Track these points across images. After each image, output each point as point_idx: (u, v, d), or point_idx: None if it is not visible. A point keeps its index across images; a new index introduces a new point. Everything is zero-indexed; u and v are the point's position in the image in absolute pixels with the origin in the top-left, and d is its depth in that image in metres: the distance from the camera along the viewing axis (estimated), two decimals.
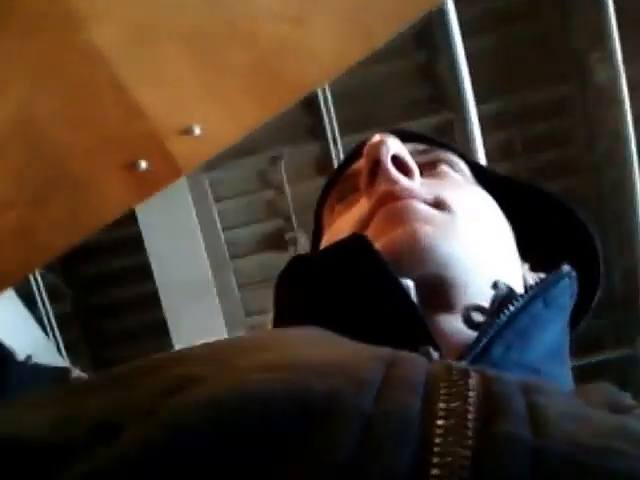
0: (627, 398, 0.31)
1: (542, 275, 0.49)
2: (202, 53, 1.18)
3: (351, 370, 0.28)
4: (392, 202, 0.47)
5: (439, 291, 0.44)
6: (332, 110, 2.38)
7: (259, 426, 0.25)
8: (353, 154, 0.59)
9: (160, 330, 2.82)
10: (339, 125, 2.43)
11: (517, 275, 0.50)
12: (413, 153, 0.53)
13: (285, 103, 1.23)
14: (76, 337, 2.93)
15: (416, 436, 0.24)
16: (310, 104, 2.41)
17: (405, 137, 0.55)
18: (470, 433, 0.24)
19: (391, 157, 0.49)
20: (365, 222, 0.48)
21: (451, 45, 1.95)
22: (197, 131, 1.23)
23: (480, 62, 2.22)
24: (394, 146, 0.49)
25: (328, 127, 2.39)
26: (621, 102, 2.10)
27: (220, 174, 2.61)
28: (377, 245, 0.43)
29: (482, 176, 0.57)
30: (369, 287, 0.42)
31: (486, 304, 0.42)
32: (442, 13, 1.89)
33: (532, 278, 0.51)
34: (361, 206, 0.50)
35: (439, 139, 0.58)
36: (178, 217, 2.63)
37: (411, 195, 0.47)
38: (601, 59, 2.10)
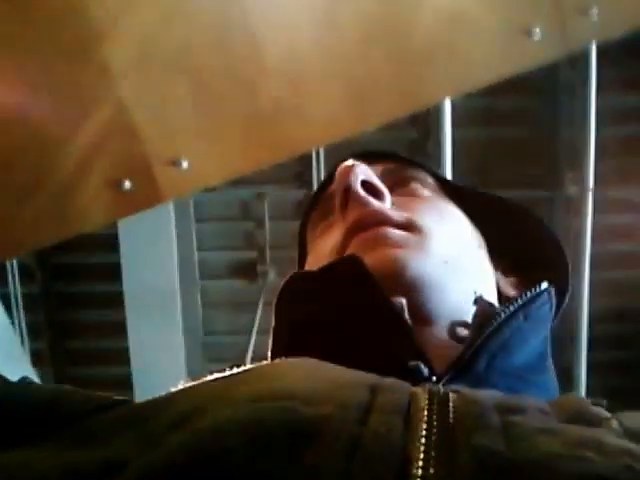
0: (599, 410, 0.31)
1: (514, 280, 0.50)
2: (206, 93, 1.18)
3: (338, 397, 0.28)
4: (364, 231, 0.47)
5: (422, 309, 0.45)
6: (322, 163, 2.39)
7: (249, 450, 0.25)
8: (327, 180, 0.60)
9: (119, 330, 2.77)
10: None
11: (491, 283, 0.51)
12: (383, 173, 0.54)
13: (275, 158, 1.23)
14: (38, 320, 2.86)
15: (400, 454, 0.25)
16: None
17: (377, 157, 0.57)
18: (450, 449, 0.25)
19: (361, 182, 0.49)
20: (340, 250, 0.49)
21: (441, 130, 1.97)
22: (185, 165, 1.22)
23: (464, 151, 2.25)
24: (362, 172, 0.50)
25: (315, 177, 2.40)
26: (584, 217, 2.14)
27: (206, 197, 2.60)
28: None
29: (451, 190, 0.57)
30: (363, 304, 0.43)
31: (469, 319, 0.43)
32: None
33: (504, 283, 0.52)
34: (336, 232, 0.51)
35: (409, 157, 0.59)
36: (157, 227, 2.60)
37: (382, 220, 0.48)
38: (574, 179, 2.14)
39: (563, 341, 2.59)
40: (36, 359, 2.70)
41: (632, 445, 0.27)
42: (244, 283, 2.73)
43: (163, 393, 0.33)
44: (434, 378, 0.38)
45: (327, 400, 0.28)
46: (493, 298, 0.48)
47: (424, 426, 0.27)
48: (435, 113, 2.09)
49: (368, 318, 0.43)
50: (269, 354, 0.49)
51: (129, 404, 0.32)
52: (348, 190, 0.49)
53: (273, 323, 0.49)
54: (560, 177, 2.39)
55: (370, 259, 0.45)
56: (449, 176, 2.03)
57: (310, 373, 0.33)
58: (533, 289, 0.44)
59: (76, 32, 1.11)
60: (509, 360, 0.42)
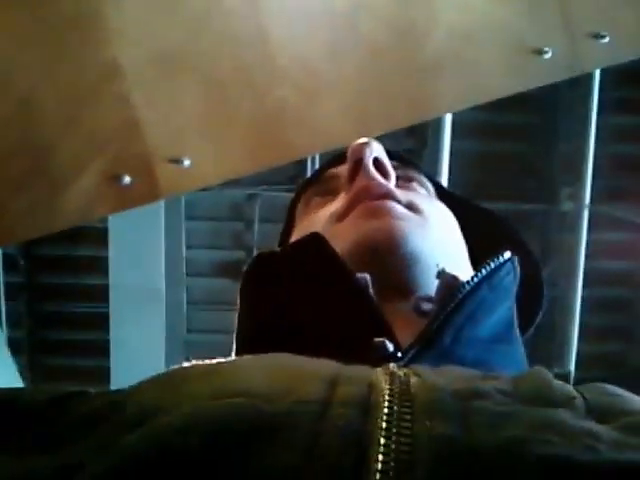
0: (563, 387, 0.31)
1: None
2: (213, 94, 1.17)
3: (296, 392, 0.28)
4: (370, 200, 0.49)
5: (396, 283, 0.45)
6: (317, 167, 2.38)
7: (208, 448, 0.25)
8: (334, 160, 0.61)
9: (101, 324, 2.75)
10: None
11: (468, 271, 0.52)
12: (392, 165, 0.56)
13: (275, 161, 1.23)
14: (19, 310, 2.83)
15: (360, 447, 0.25)
16: None
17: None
18: (410, 439, 0.25)
19: (373, 159, 0.51)
20: (342, 215, 0.50)
21: (439, 140, 1.98)
22: (186, 163, 1.21)
23: (461, 162, 2.26)
24: (377, 149, 0.52)
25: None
26: (579, 233, 2.16)
27: (197, 195, 2.59)
28: (353, 237, 0.45)
29: (443, 195, 0.59)
30: (327, 282, 0.43)
31: (433, 293, 0.43)
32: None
33: None
34: (339, 202, 0.52)
35: (409, 159, 0.61)
36: (147, 223, 2.58)
37: (387, 194, 0.49)
38: (571, 195, 2.16)
39: (551, 355, 2.62)
40: (14, 347, 2.67)
41: (594, 425, 0.27)
42: (230, 283, 2.72)
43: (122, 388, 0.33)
44: (399, 354, 0.38)
45: (285, 396, 0.28)
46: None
47: (384, 417, 0.27)
48: (433, 123, 2.10)
49: (332, 295, 0.43)
50: (234, 339, 0.49)
51: (88, 399, 0.32)
52: (359, 163, 0.51)
53: (238, 307, 0.49)
54: (556, 192, 2.42)
55: (373, 226, 0.46)
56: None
57: (269, 369, 0.32)
58: (496, 259, 0.45)
59: (86, 29, 1.10)
60: (475, 331, 0.42)
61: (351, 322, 0.41)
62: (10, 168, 1.22)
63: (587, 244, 2.27)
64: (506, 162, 2.44)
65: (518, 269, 0.47)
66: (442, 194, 0.59)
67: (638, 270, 2.53)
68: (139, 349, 2.79)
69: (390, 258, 0.45)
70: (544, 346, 2.60)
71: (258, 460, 0.25)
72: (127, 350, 2.77)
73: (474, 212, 0.60)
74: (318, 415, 0.27)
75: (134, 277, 2.67)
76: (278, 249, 0.50)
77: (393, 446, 0.25)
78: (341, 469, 0.24)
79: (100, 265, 2.68)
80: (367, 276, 0.43)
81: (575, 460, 0.24)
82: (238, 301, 0.49)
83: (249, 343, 0.46)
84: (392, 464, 0.24)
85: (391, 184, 0.52)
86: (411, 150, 2.42)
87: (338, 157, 0.60)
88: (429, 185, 0.59)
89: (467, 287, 0.42)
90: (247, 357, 0.36)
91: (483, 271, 0.43)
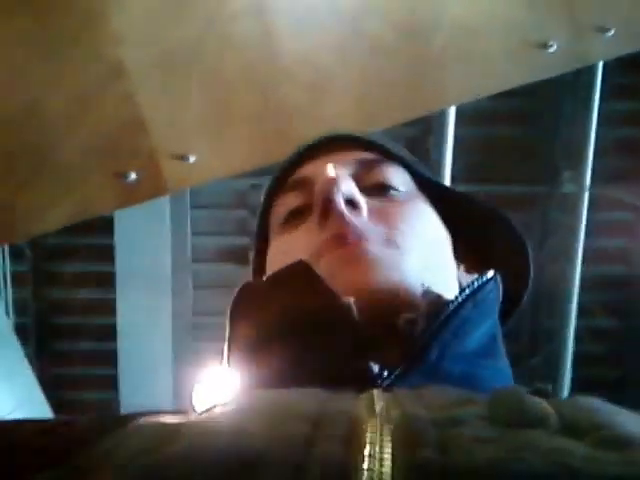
0: (538, 407, 0.31)
1: (474, 276, 0.51)
2: (218, 92, 1.17)
3: (282, 433, 0.30)
4: (344, 247, 0.48)
5: (381, 307, 0.45)
6: None
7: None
8: (299, 158, 0.59)
9: (108, 309, 2.78)
10: None
11: (452, 280, 0.52)
12: (358, 168, 0.54)
13: (280, 157, 1.22)
14: (25, 298, 2.86)
15: (344, 473, 0.26)
16: None
17: (350, 143, 0.57)
18: (389, 468, 0.27)
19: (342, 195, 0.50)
20: (317, 256, 0.49)
21: (443, 127, 1.97)
22: (192, 159, 1.22)
23: (464, 148, 2.26)
24: (345, 187, 0.50)
25: None
26: (579, 215, 2.16)
27: (202, 185, 2.59)
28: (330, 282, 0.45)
29: (424, 185, 0.58)
30: (314, 307, 0.44)
31: (418, 312, 0.44)
32: None
33: (465, 279, 0.53)
34: (313, 237, 0.51)
35: (387, 147, 0.58)
36: (153, 211, 2.59)
37: (361, 237, 0.48)
38: (572, 177, 2.16)
39: (550, 331, 2.64)
40: (21, 334, 2.69)
41: (567, 442, 0.28)
42: (235, 267, 2.74)
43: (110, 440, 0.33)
44: (385, 374, 0.39)
45: (270, 436, 0.29)
46: (452, 293, 0.48)
47: (366, 449, 0.28)
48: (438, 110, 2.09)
49: (317, 320, 0.43)
50: (224, 360, 0.50)
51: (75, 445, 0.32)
52: (329, 202, 0.50)
53: (227, 331, 0.50)
54: (557, 175, 2.42)
55: (349, 277, 0.46)
56: (448, 172, 2.04)
57: (257, 409, 0.34)
58: (480, 278, 0.46)
59: (91, 29, 1.10)
60: (461, 347, 0.43)
61: (336, 346, 0.42)
62: (17, 165, 1.22)
63: (587, 224, 2.28)
64: (509, 146, 2.43)
65: (501, 286, 0.48)
66: (420, 183, 0.58)
67: (636, 249, 2.55)
68: (146, 333, 2.82)
69: (371, 299, 0.45)
70: (544, 321, 2.63)
71: None
72: (134, 334, 2.80)
73: (456, 198, 0.59)
74: (303, 451, 0.28)
75: (140, 264, 2.69)
76: (263, 279, 0.50)
77: (376, 474, 0.26)
78: None
79: (106, 252, 2.69)
80: (351, 299, 0.43)
81: (548, 476, 0.25)
82: (227, 326, 0.50)
83: (236, 367, 0.47)
84: None
85: (363, 215, 0.50)
86: (415, 138, 2.41)
87: (300, 155, 0.59)
88: (406, 179, 0.56)
89: (452, 305, 0.43)
90: (231, 408, 0.37)
91: (467, 290, 0.44)
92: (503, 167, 2.41)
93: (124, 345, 2.81)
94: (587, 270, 2.49)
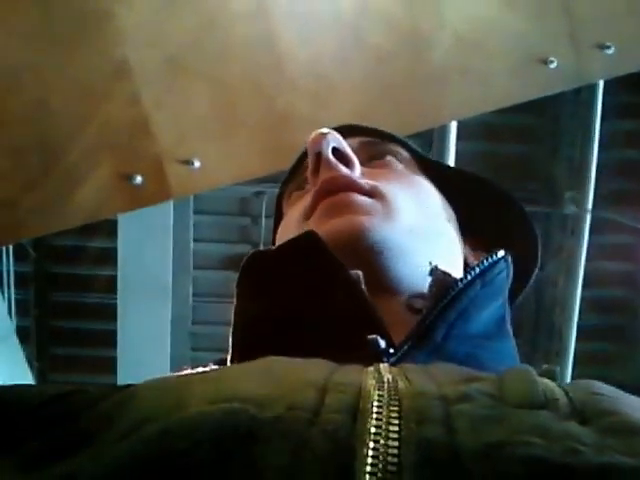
0: (547, 387, 0.31)
1: (482, 254, 0.50)
2: (224, 98, 1.19)
3: (287, 399, 0.29)
4: (330, 195, 0.48)
5: (381, 279, 0.45)
6: None
7: (199, 453, 0.26)
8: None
9: (108, 315, 2.77)
10: None
11: (457, 257, 0.52)
12: (359, 147, 0.55)
13: (283, 164, 1.23)
14: (27, 298, 2.86)
15: (348, 451, 0.25)
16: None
17: (355, 130, 0.57)
18: (397, 443, 0.26)
19: (332, 149, 0.50)
20: (309, 213, 0.49)
21: (444, 142, 1.98)
22: (197, 164, 1.23)
23: (465, 163, 2.27)
24: (334, 139, 0.51)
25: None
26: (580, 240, 2.16)
27: (206, 191, 2.60)
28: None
29: (428, 166, 0.58)
30: (321, 278, 0.43)
31: (425, 290, 0.43)
32: None
33: (472, 257, 0.53)
34: (308, 197, 0.51)
35: (387, 132, 0.59)
36: (156, 215, 2.60)
37: (348, 186, 0.48)
38: (574, 198, 2.16)
39: (549, 355, 2.63)
40: (22, 336, 2.70)
41: (576, 427, 0.27)
42: (235, 275, 2.73)
43: (118, 393, 0.33)
44: (392, 350, 0.39)
45: (277, 403, 0.28)
46: (458, 270, 0.47)
47: (373, 422, 0.27)
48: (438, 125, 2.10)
49: (325, 292, 0.43)
50: (230, 335, 0.49)
51: (87, 404, 0.32)
52: (319, 155, 0.50)
53: (235, 303, 0.49)
54: (558, 195, 2.42)
55: (334, 224, 0.46)
56: None
57: (262, 375, 0.33)
58: (489, 257, 0.45)
59: (99, 29, 1.11)
60: (467, 328, 0.42)
61: (344, 318, 0.41)
62: (23, 166, 1.23)
63: (588, 247, 2.27)
64: (509, 164, 2.44)
65: (511, 267, 0.47)
66: (424, 164, 0.58)
67: (637, 272, 2.54)
68: (145, 340, 2.81)
69: (357, 253, 0.45)
70: (544, 344, 2.62)
71: (247, 464, 0.25)
72: (133, 340, 2.79)
73: (462, 179, 0.58)
74: (308, 422, 0.27)
75: (142, 269, 2.69)
76: (273, 246, 0.50)
77: (382, 449, 0.26)
78: (330, 472, 0.25)
79: (109, 256, 2.69)
80: (360, 272, 0.43)
81: (555, 462, 0.25)
82: (235, 297, 0.49)
83: (245, 339, 0.46)
84: (380, 466, 0.25)
85: (355, 171, 0.51)
86: None
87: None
88: (407, 156, 0.57)
89: (460, 284, 0.42)
90: (241, 364, 0.37)
91: (477, 269, 0.43)
92: (503, 185, 2.42)
93: (123, 351, 2.80)
94: (587, 293, 2.49)
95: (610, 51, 1.08)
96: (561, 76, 1.11)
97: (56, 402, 0.32)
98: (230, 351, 0.47)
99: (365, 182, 0.49)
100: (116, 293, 2.73)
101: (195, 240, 2.73)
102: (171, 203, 2.57)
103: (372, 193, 0.49)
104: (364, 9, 1.03)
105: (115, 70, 1.16)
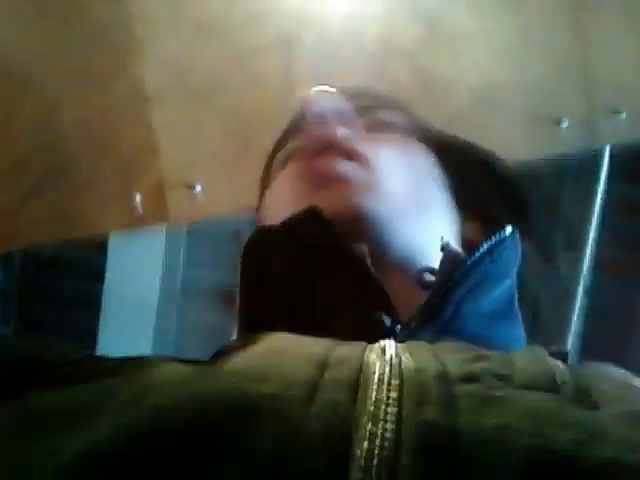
0: (557, 370, 0.30)
1: (479, 225, 0.50)
2: (233, 127, 1.19)
3: (285, 375, 0.28)
4: (314, 160, 0.48)
5: (385, 253, 0.44)
6: None
7: (188, 432, 0.25)
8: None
9: (87, 333, 2.73)
10: None
11: (454, 225, 0.51)
12: (357, 110, 0.55)
13: None
14: (9, 312, 2.82)
15: (344, 435, 0.25)
16: None
17: (354, 92, 0.57)
18: (395, 425, 0.25)
19: (328, 109, 0.51)
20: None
21: None
22: (198, 189, 1.22)
23: None
24: (330, 98, 0.52)
25: None
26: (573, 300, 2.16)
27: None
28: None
29: (425, 133, 0.57)
30: (326, 254, 0.42)
31: (435, 265, 0.43)
32: None
33: (470, 228, 0.52)
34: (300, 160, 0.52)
35: (388, 96, 0.60)
36: (148, 233, 2.58)
37: (333, 144, 0.48)
38: (570, 259, 2.17)
39: None
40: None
41: (584, 413, 0.27)
42: (223, 308, 2.71)
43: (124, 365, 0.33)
44: (398, 327, 0.38)
45: (274, 378, 0.28)
46: (456, 240, 0.47)
47: (372, 402, 0.26)
48: None
49: (330, 268, 0.42)
50: (237, 310, 0.49)
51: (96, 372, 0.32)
52: (314, 114, 0.51)
53: (240, 280, 0.48)
54: (553, 255, 2.41)
55: (323, 199, 0.46)
56: None
57: (263, 350, 0.32)
58: (498, 234, 0.44)
59: (113, 45, 1.12)
60: (476, 306, 0.41)
61: (350, 295, 0.41)
62: (24, 174, 1.23)
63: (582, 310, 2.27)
64: None
65: (520, 244, 0.47)
66: (421, 131, 0.57)
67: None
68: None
69: (353, 231, 0.44)
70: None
71: (235, 447, 0.24)
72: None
73: (460, 149, 0.58)
74: (304, 399, 0.26)
75: (129, 289, 2.66)
76: (276, 225, 0.49)
77: (379, 432, 0.25)
78: (321, 461, 0.24)
79: (96, 272, 2.66)
80: (365, 247, 0.43)
81: (557, 454, 0.24)
82: (240, 273, 0.49)
83: (250, 316, 0.46)
84: (376, 452, 0.24)
85: (347, 132, 0.50)
86: None
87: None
88: (404, 122, 0.57)
89: (470, 262, 0.41)
90: (246, 340, 0.36)
91: (485, 245, 0.43)
92: None
93: None
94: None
95: (622, 116, 1.09)
96: (571, 137, 1.12)
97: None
98: (237, 328, 0.47)
99: (353, 146, 0.49)
100: (100, 310, 2.70)
101: (187, 264, 2.71)
102: (164, 228, 2.56)
103: (359, 157, 0.48)
104: (389, 50, 1.04)
105: (127, 89, 1.16)
